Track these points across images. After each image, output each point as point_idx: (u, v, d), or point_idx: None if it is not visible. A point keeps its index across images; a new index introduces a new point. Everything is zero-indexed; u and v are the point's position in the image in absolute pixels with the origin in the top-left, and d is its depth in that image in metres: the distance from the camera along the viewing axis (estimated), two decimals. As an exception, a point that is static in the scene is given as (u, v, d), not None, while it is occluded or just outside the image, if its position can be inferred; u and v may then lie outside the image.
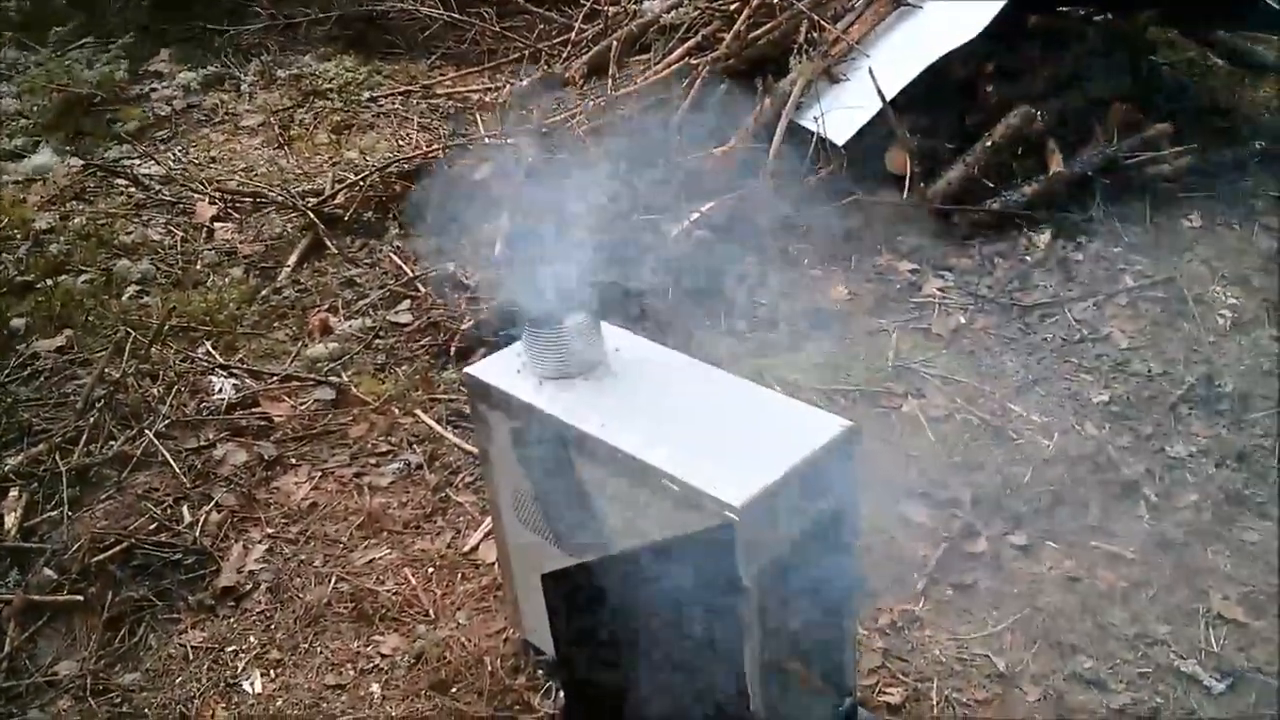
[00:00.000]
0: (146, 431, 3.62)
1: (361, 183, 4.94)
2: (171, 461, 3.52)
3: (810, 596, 2.47)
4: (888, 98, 4.64)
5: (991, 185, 4.77)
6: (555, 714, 2.69)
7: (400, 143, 5.59)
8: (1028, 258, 4.57)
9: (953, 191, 4.74)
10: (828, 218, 4.74)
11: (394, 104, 6.18)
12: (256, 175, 5.49)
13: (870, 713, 2.70)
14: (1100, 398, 3.77)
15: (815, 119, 4.79)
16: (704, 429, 2.34)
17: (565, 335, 2.50)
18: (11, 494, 3.41)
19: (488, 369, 2.60)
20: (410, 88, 6.26)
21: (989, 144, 4.76)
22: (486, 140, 5.11)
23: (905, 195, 4.71)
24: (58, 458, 3.51)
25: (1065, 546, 3.18)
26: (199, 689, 2.85)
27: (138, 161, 5.66)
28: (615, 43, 5.77)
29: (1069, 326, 4.16)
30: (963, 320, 4.22)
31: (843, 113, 4.77)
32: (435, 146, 5.04)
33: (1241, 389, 3.77)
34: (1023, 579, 3.08)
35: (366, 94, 6.29)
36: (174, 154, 5.83)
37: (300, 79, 6.46)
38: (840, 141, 4.73)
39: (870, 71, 4.70)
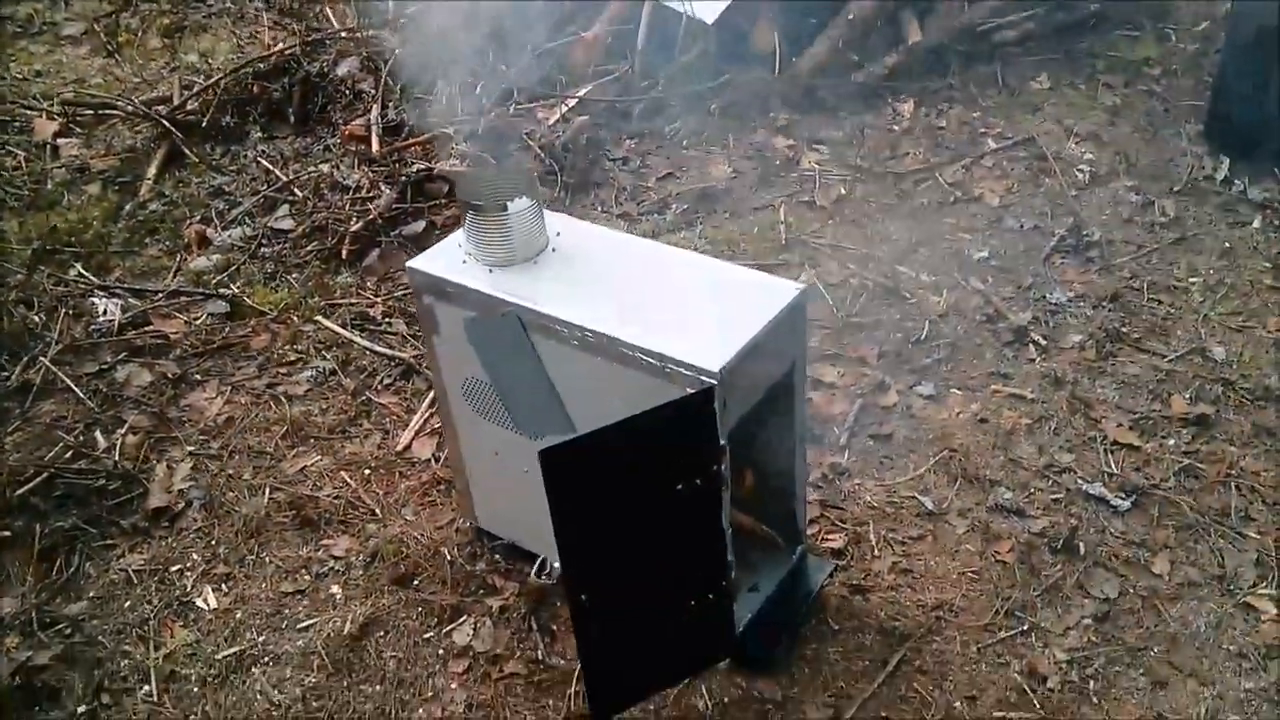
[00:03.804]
0: (41, 358, 3.43)
1: (215, 86, 4.68)
2: (74, 387, 3.35)
3: (771, 450, 2.61)
4: (754, -27, 4.68)
5: (855, 59, 4.90)
6: (525, 591, 2.76)
7: (244, 43, 5.32)
8: (895, 127, 4.75)
9: (819, 67, 4.86)
10: (702, 98, 4.80)
11: (226, 3, 5.84)
12: (91, 86, 5.13)
13: (817, 558, 2.87)
14: (980, 254, 3.99)
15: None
16: (665, 302, 2.40)
17: (511, 221, 2.49)
18: (-99, 437, 3.21)
19: (432, 261, 2.57)
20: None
21: (850, 18, 4.88)
22: (344, 34, 4.91)
23: (775, 72, 4.79)
24: (-54, 395, 3.30)
25: (969, 392, 3.40)
26: (151, 610, 2.78)
27: (-47, 79, 5.20)
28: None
29: (943, 190, 4.37)
30: (843, 191, 4.37)
31: (709, -9, 4.80)
32: (290, 45, 4.80)
33: (1107, 236, 4.06)
34: (935, 424, 3.29)
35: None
36: (-6, 69, 5.39)
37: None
38: (709, 20, 4.76)
39: (735, -53, 4.72)
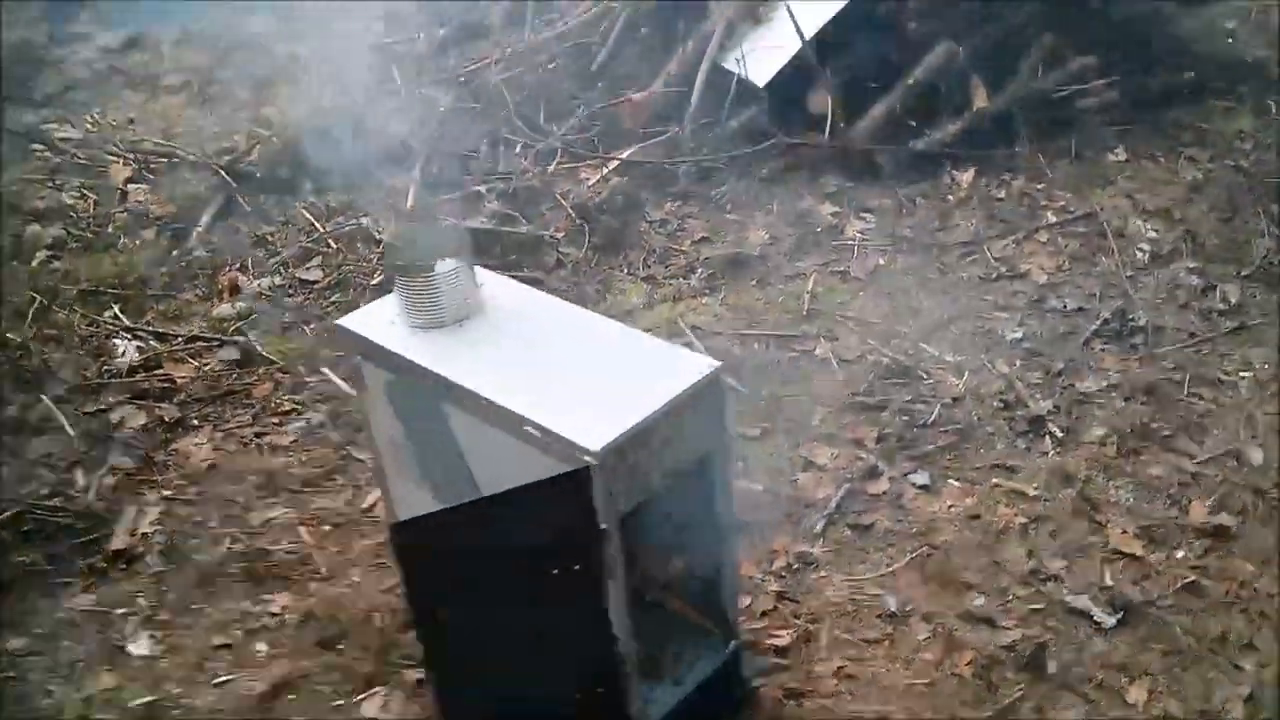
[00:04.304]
0: (44, 396, 3.55)
1: (274, 139, 4.83)
2: (67, 426, 3.45)
3: (683, 539, 2.45)
4: (807, 37, 4.56)
5: (914, 124, 4.71)
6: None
7: (320, 95, 5.48)
8: (950, 197, 4.52)
9: (875, 132, 4.68)
10: (749, 161, 4.69)
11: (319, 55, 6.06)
12: (174, 136, 5.37)
13: (759, 656, 2.68)
14: (1014, 335, 3.74)
15: (737, 60, 4.71)
16: (570, 374, 2.29)
17: (434, 283, 2.44)
18: (-97, 463, 3.35)
19: (361, 320, 2.53)
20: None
21: (910, 82, 4.70)
22: (403, 90, 5.01)
23: (827, 137, 4.64)
24: (-50, 426, 3.44)
25: (967, 484, 3.16)
26: (84, 652, 2.80)
27: (54, 125, 5.53)
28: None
29: (988, 265, 4.12)
30: (881, 262, 4.18)
31: (764, 53, 4.69)
32: (349, 97, 4.93)
33: (1155, 321, 3.74)
34: (922, 517, 3.06)
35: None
36: (91, 116, 5.70)
37: (222, 35, 6.32)
38: (761, 83, 4.65)
39: (789, 9, 4.60)
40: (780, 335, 3.80)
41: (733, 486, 2.37)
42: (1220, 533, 2.93)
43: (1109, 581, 2.83)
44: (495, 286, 2.59)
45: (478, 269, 2.64)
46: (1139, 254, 4.09)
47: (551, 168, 4.53)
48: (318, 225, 4.49)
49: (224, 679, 2.72)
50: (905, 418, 3.40)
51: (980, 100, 4.73)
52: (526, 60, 4.99)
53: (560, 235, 4.24)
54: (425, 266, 2.42)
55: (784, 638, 2.73)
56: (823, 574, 2.91)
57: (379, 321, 2.52)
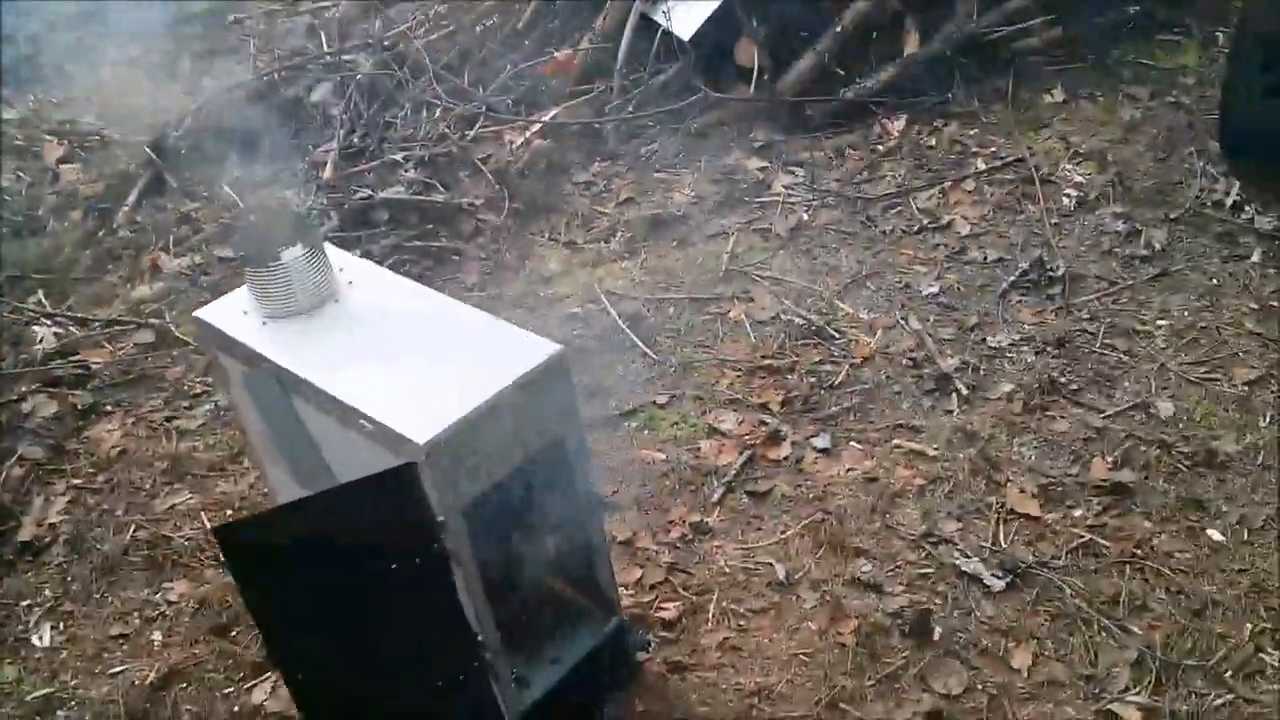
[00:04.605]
0: (-51, 389, 3.56)
1: (199, 113, 4.78)
2: (-28, 418, 3.47)
3: (551, 519, 2.44)
4: (728, -13, 4.46)
5: (844, 73, 4.61)
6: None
7: (258, 65, 5.42)
8: (879, 147, 4.43)
9: (804, 82, 4.59)
10: (676, 118, 4.61)
11: (259, 25, 5.98)
12: (109, 112, 5.32)
13: (644, 630, 2.67)
14: (930, 289, 3.67)
15: (664, 13, 4.62)
16: (414, 363, 2.26)
17: (282, 272, 2.40)
18: None
19: (216, 311, 2.50)
20: (274, 5, 6.04)
21: (839, 29, 4.58)
22: (325, 59, 4.93)
23: (755, 89, 4.55)
24: None
25: (868, 446, 3.12)
26: (-14, 645, 2.84)
27: (-6, 106, 5.50)
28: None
29: (911, 217, 4.05)
30: (805, 217, 4.11)
31: (690, 5, 4.59)
32: (272, 68, 4.86)
33: (1075, 270, 3.67)
34: (819, 482, 3.03)
35: (231, 16, 6.09)
36: (33, 95, 5.67)
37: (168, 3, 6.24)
38: (686, 36, 4.56)
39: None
40: (696, 298, 3.75)
41: (590, 465, 2.36)
42: (1120, 490, 2.88)
43: (1003, 543, 2.80)
44: (356, 273, 2.56)
45: (343, 255, 2.62)
46: (1065, 200, 4.00)
47: (472, 133, 4.47)
48: (239, 200, 4.45)
49: (118, 670, 2.74)
50: (813, 379, 3.36)
51: (912, 46, 4.61)
52: (452, 21, 4.90)
53: (479, 202, 4.19)
54: (272, 255, 2.40)
55: (671, 610, 2.72)
56: (716, 544, 2.89)
57: (233, 312, 2.49)
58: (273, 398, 2.39)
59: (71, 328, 3.92)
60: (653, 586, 2.79)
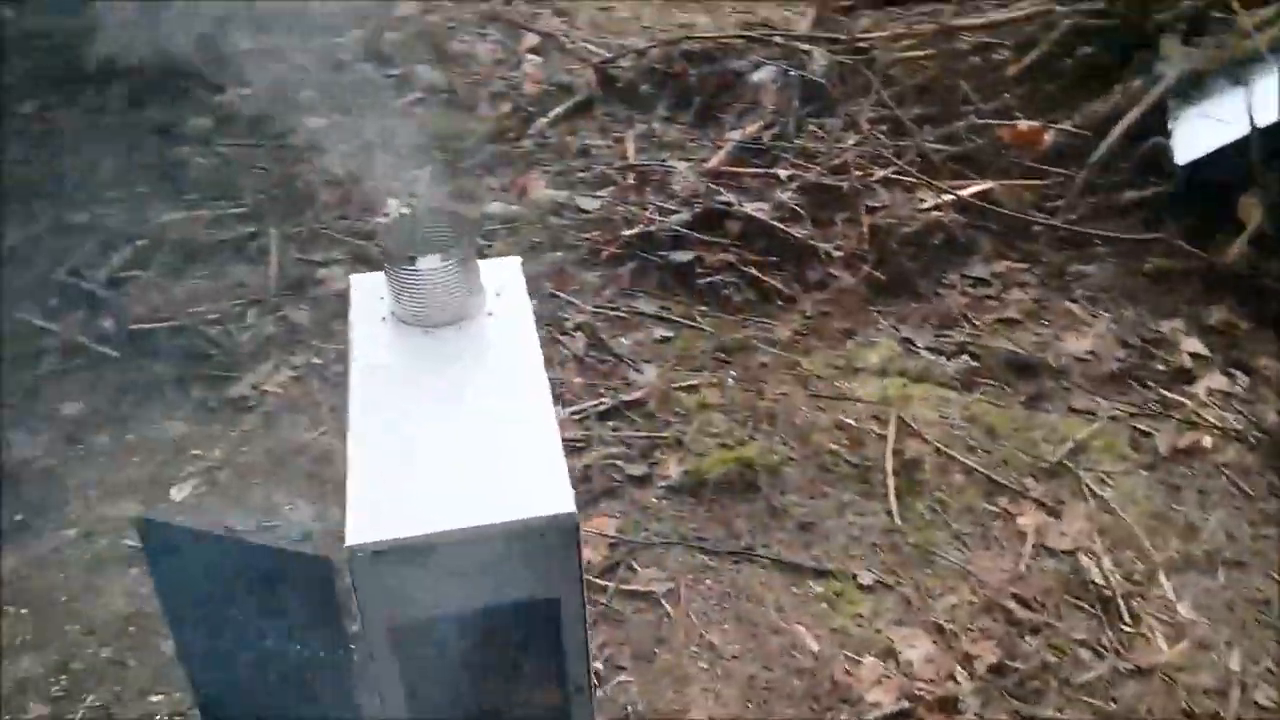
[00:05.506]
0: None
1: (644, 52, 4.59)
2: None
3: (527, 686, 2.00)
4: (1259, 124, 3.38)
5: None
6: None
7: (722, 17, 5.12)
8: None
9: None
10: (1129, 249, 3.68)
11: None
12: (613, 23, 5.29)
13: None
14: (1300, 620, 2.62)
15: (1169, 121, 3.66)
16: (432, 443, 1.90)
17: (409, 278, 2.12)
18: None
19: (368, 281, 2.28)
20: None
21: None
22: (785, 39, 4.48)
23: (1234, 254, 3.48)
24: None
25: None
26: None
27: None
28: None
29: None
30: (1206, 443, 3.09)
31: (1203, 124, 3.58)
32: (728, 33, 4.52)
33: None
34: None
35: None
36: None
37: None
38: (1182, 160, 3.57)
39: (1248, 82, 3.44)
40: (995, 479, 2.98)
41: (582, 642, 1.87)
42: None
43: None
44: (506, 305, 2.21)
45: (516, 278, 2.29)
46: None
47: (880, 174, 3.85)
48: (631, 155, 4.22)
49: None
50: (1051, 658, 2.53)
51: None
52: (935, 45, 4.25)
53: (839, 253, 3.63)
54: (406, 258, 2.12)
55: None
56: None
57: (374, 294, 2.26)
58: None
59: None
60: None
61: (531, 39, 5.10)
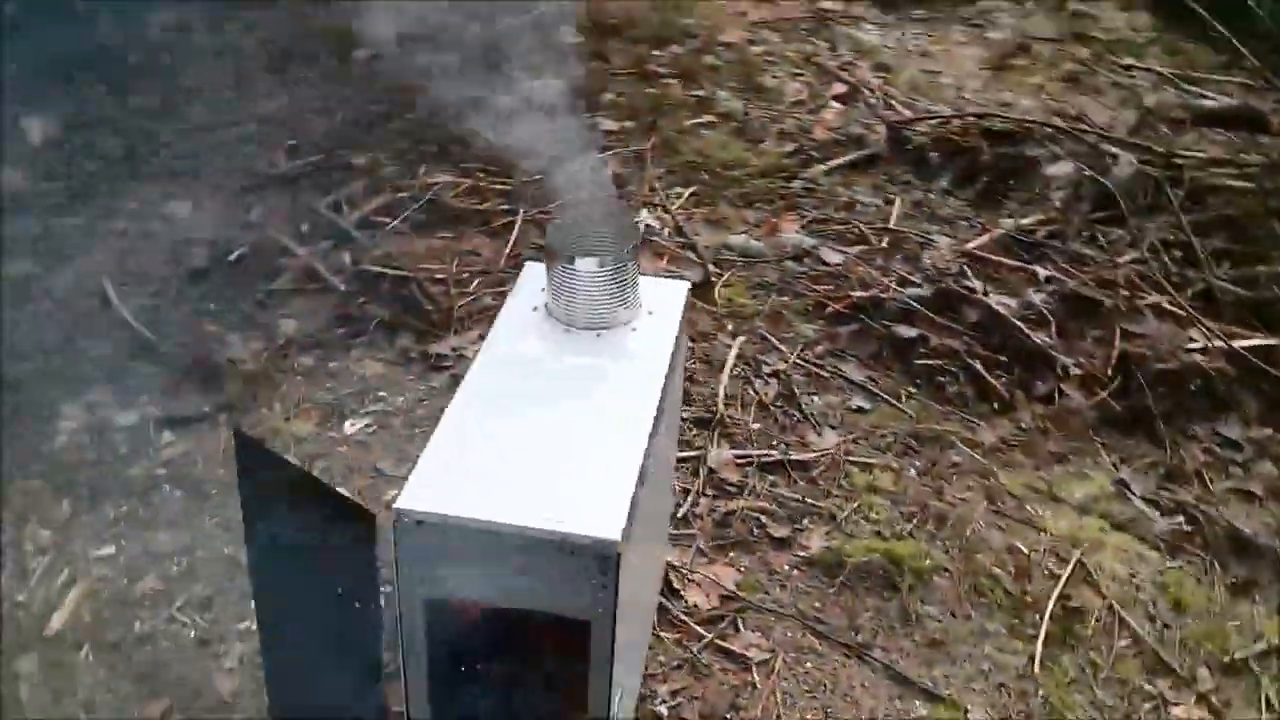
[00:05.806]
0: None
1: (946, 120, 4.41)
2: None
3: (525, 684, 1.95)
4: None
5: None
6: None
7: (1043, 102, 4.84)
8: None
9: None
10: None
11: (1122, 76, 5.29)
12: (932, 86, 5.15)
13: None
14: None
15: None
16: (530, 437, 1.90)
17: (564, 276, 2.14)
18: None
19: (538, 272, 2.31)
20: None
21: None
22: (1098, 138, 4.17)
23: None
24: None
25: None
26: None
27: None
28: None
29: None
30: None
31: None
32: (1037, 119, 4.25)
33: None
34: None
35: (1127, 59, 5.45)
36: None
37: (1078, 17, 5.79)
38: None
39: None
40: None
41: (610, 678, 1.81)
42: None
43: None
44: (655, 321, 2.19)
45: (679, 293, 2.27)
46: None
47: (1151, 300, 3.50)
48: (893, 221, 4.07)
49: None
50: None
51: None
52: (1261, 178, 3.81)
53: (1078, 371, 3.33)
54: (566, 257, 2.13)
55: None
56: None
57: (538, 284, 2.28)
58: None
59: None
60: None
61: (840, 87, 5.04)
